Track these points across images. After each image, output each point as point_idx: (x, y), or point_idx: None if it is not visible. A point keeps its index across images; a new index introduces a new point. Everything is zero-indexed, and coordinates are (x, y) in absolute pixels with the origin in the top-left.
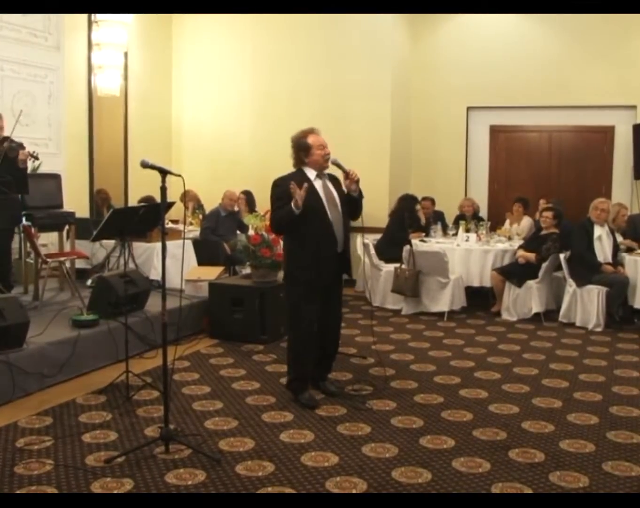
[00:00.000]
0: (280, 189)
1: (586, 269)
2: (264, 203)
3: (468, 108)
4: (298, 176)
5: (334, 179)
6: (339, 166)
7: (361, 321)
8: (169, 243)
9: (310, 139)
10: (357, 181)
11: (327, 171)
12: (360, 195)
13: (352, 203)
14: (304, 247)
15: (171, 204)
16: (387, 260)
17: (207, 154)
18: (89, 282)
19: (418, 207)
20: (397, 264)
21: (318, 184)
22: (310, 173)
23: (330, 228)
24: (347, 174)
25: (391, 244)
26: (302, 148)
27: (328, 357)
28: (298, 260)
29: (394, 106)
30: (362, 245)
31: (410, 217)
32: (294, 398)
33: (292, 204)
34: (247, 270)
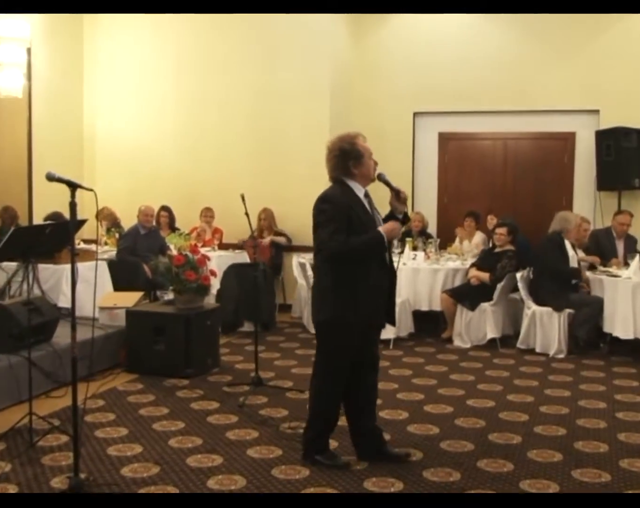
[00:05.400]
0: (335, 206)
1: (562, 287)
2: (188, 220)
3: (415, 114)
4: (346, 192)
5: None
6: (386, 182)
7: (298, 351)
8: (80, 265)
9: (360, 146)
10: (405, 201)
11: None
12: (406, 216)
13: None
14: (363, 280)
15: (82, 222)
16: None
17: (124, 165)
18: None
19: None
20: None
21: (366, 203)
22: (357, 189)
23: (385, 257)
24: (397, 193)
25: None
26: (352, 156)
27: (370, 411)
28: (352, 296)
29: (334, 110)
30: (298, 265)
31: None
32: (311, 459)
33: (385, 231)
34: (169, 295)
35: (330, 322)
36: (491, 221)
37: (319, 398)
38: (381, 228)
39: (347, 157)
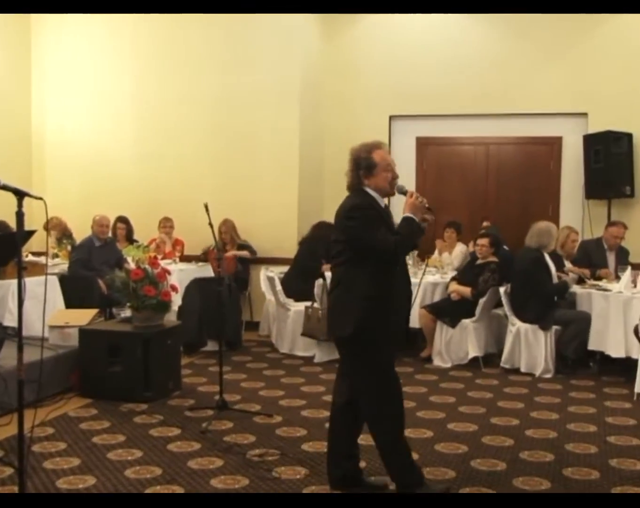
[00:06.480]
0: (370, 210)
1: (548, 305)
2: (147, 230)
3: (391, 117)
4: (368, 199)
5: None
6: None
7: (266, 372)
8: (28, 280)
9: (376, 156)
10: (431, 221)
11: None
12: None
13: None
14: (395, 293)
15: (31, 233)
16: (297, 298)
17: (77, 171)
18: None
19: None
20: (308, 303)
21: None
22: (378, 198)
23: (408, 272)
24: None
25: (300, 277)
26: (363, 166)
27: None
28: (386, 311)
29: (303, 113)
30: (266, 280)
31: (325, 248)
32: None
33: (408, 211)
34: (127, 313)
35: (371, 341)
36: (486, 226)
37: (393, 433)
38: (404, 212)
39: (358, 167)
